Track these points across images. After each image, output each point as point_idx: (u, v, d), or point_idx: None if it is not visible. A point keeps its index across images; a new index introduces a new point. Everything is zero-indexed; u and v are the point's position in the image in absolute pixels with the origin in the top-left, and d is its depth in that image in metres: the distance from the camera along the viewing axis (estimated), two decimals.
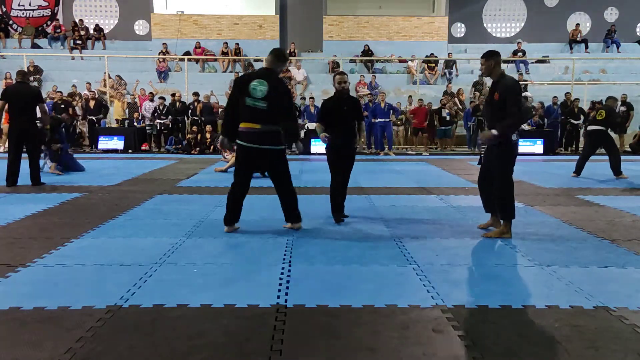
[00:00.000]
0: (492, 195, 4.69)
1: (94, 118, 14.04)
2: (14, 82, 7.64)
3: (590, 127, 8.99)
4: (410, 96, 15.58)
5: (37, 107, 7.56)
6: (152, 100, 14.18)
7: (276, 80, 4.60)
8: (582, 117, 14.18)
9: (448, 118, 14.16)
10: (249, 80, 4.52)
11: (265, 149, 4.57)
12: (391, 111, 13.63)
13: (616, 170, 8.65)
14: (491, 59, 4.54)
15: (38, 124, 7.78)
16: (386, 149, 13.61)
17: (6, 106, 7.35)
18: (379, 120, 13.31)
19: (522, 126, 14.10)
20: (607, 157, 8.89)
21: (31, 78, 16.25)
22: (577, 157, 9.37)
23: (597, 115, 8.77)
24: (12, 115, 7.41)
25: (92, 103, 14.09)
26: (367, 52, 19.19)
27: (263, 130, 4.51)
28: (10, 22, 20.48)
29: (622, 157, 9.17)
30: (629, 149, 14.00)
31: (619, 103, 9.06)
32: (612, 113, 8.74)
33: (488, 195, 4.79)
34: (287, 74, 17.50)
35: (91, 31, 19.88)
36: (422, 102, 14.41)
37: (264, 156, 4.63)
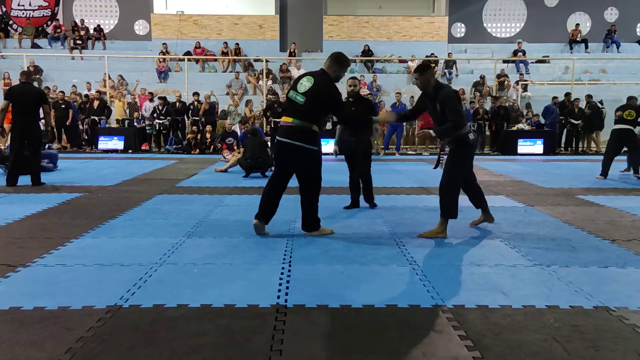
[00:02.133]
0: (470, 191, 4.94)
1: (96, 118, 14.04)
2: (19, 82, 7.63)
3: (617, 126, 8.85)
4: (412, 96, 15.56)
5: (41, 108, 7.56)
6: (151, 101, 14.18)
7: (324, 81, 4.40)
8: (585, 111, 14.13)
9: None
10: (301, 77, 4.53)
11: (288, 143, 4.43)
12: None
13: (636, 168, 8.78)
14: (426, 73, 4.53)
15: (41, 126, 7.79)
16: (392, 149, 13.62)
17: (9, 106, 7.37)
18: None
19: (522, 126, 14.12)
20: (618, 160, 8.95)
21: (31, 78, 16.28)
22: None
23: (626, 115, 8.71)
24: (15, 115, 7.41)
25: (95, 103, 14.08)
26: (367, 52, 19.19)
27: (294, 125, 4.41)
28: (10, 22, 20.48)
29: (622, 157, 9.18)
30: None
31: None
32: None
33: (471, 192, 4.96)
34: (287, 74, 17.51)
35: (91, 31, 19.88)
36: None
37: (287, 150, 4.45)
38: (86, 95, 14.84)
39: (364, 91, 16.03)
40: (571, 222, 5.26)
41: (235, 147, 10.78)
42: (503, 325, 2.73)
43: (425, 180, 8.31)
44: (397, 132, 13.60)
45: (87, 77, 16.64)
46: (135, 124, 14.05)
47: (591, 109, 14.23)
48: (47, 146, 8.97)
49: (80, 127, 14.25)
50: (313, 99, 4.32)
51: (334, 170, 9.58)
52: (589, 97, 14.65)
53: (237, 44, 19.20)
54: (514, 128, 14.08)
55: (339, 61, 4.46)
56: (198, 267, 3.70)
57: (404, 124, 14.12)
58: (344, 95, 6.00)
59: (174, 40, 19.41)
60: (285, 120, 4.48)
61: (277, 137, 4.55)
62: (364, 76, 17.01)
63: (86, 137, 14.16)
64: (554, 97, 15.01)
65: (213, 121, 13.85)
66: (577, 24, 20.52)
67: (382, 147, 13.65)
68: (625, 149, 9.09)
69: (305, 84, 4.38)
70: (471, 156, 4.74)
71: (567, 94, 14.53)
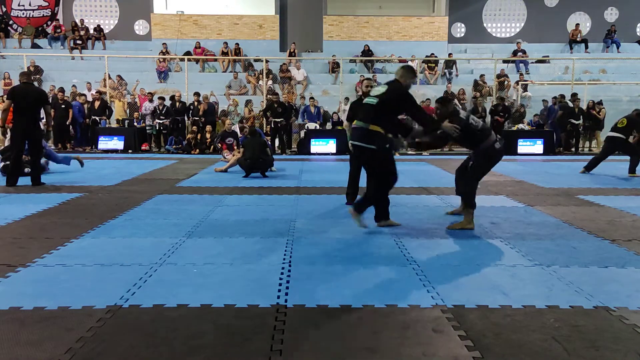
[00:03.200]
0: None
1: (97, 118, 14.02)
2: (19, 82, 7.60)
3: (610, 134, 9.30)
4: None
5: (42, 109, 7.53)
6: (151, 101, 14.17)
7: (398, 87, 4.76)
8: (581, 117, 14.20)
9: None
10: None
11: (353, 144, 4.91)
12: None
13: (631, 169, 9.03)
14: (449, 105, 5.10)
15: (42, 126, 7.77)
16: None
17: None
18: None
19: (522, 126, 14.14)
20: (616, 160, 9.37)
21: (31, 78, 16.25)
22: (576, 157, 9.48)
23: (619, 123, 9.13)
24: (16, 115, 7.39)
25: (96, 104, 14.06)
26: (367, 52, 19.19)
27: (360, 127, 4.78)
28: (10, 22, 20.48)
29: (622, 157, 9.24)
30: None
31: None
32: (632, 124, 9.08)
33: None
34: (287, 74, 17.52)
35: (91, 31, 19.87)
36: (429, 102, 14.33)
37: (355, 149, 4.92)
38: (83, 95, 14.81)
39: None
40: (571, 222, 5.26)
41: (235, 147, 10.78)
42: (503, 325, 2.73)
43: (425, 180, 8.30)
44: None
45: (87, 77, 16.63)
46: (135, 124, 14.05)
47: (563, 109, 14.39)
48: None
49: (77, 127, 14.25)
50: (384, 101, 4.68)
51: (334, 170, 9.58)
52: (561, 97, 14.82)
53: (237, 44, 19.20)
54: (514, 128, 14.09)
55: (412, 71, 4.95)
56: (198, 267, 3.70)
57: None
58: (357, 95, 6.22)
59: (174, 40, 19.41)
60: (356, 123, 4.92)
61: (349, 141, 5.11)
62: (363, 76, 17.03)
63: (78, 137, 14.16)
64: (554, 97, 15.03)
65: (213, 121, 13.85)
66: (577, 24, 20.52)
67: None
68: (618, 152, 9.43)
69: (379, 89, 4.81)
70: (495, 162, 5.09)
71: (574, 95, 14.50)
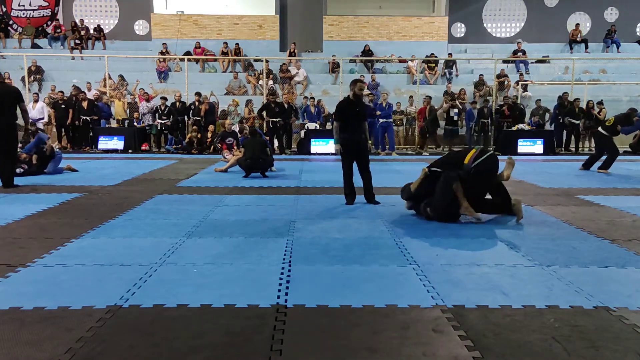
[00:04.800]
0: None
1: (88, 118, 13.97)
2: None
3: (598, 130, 9.76)
4: (411, 96, 15.57)
5: (18, 107, 7.36)
6: (147, 101, 14.15)
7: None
8: (581, 115, 14.24)
9: (456, 118, 14.12)
10: None
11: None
12: (391, 112, 13.68)
13: (605, 165, 9.34)
14: None
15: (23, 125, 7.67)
16: (387, 149, 13.59)
17: None
18: (381, 120, 13.29)
19: (522, 126, 14.15)
20: (616, 160, 9.61)
21: (31, 78, 16.27)
22: (576, 157, 9.60)
23: (607, 122, 9.53)
24: None
25: (85, 104, 13.98)
26: (367, 52, 19.18)
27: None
28: (11, 22, 20.48)
29: (623, 157, 9.31)
30: (629, 149, 14.00)
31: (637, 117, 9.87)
32: (618, 121, 9.39)
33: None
34: (287, 74, 17.51)
35: (91, 31, 19.86)
36: (429, 102, 14.35)
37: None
38: (76, 96, 14.75)
39: (365, 91, 16.02)
40: (571, 222, 5.26)
41: (235, 147, 10.78)
42: (503, 325, 2.73)
43: None
44: (388, 132, 13.58)
45: (87, 77, 16.62)
46: (135, 124, 14.04)
47: (510, 110, 14.49)
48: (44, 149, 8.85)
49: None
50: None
51: (334, 170, 9.57)
52: (513, 98, 15.08)
53: (237, 44, 19.19)
54: (514, 128, 14.10)
55: None
56: (198, 267, 3.70)
57: (394, 124, 14.21)
58: (351, 95, 6.33)
59: (174, 40, 19.40)
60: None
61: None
62: (363, 76, 17.01)
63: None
64: (559, 97, 15.09)
65: (213, 121, 13.84)
66: (577, 24, 20.51)
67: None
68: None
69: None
70: None
71: (564, 94, 14.56)
